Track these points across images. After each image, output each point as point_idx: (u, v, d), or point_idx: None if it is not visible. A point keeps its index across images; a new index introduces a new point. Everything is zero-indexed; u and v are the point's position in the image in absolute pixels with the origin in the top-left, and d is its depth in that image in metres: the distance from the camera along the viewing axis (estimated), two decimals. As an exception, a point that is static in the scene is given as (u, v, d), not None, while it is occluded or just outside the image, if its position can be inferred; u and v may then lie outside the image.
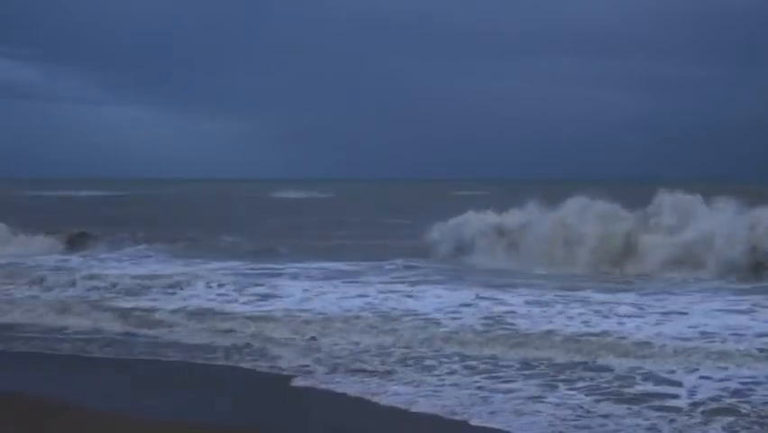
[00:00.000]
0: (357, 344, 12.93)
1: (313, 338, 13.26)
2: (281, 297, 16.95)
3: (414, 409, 9.70)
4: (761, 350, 12.06)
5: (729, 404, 9.73)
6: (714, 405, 9.70)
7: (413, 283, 18.77)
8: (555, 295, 16.70)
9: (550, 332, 13.37)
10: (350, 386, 10.61)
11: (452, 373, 11.27)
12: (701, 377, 10.80)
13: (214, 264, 22.14)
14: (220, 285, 18.19)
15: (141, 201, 59.35)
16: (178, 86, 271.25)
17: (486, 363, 11.67)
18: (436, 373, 11.27)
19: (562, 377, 10.89)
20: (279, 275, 20.06)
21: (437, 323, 14.28)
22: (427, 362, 11.81)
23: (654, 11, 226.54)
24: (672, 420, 9.17)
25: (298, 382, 10.89)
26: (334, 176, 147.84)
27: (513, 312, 15.03)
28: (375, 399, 10.12)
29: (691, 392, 10.16)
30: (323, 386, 10.66)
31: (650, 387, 10.43)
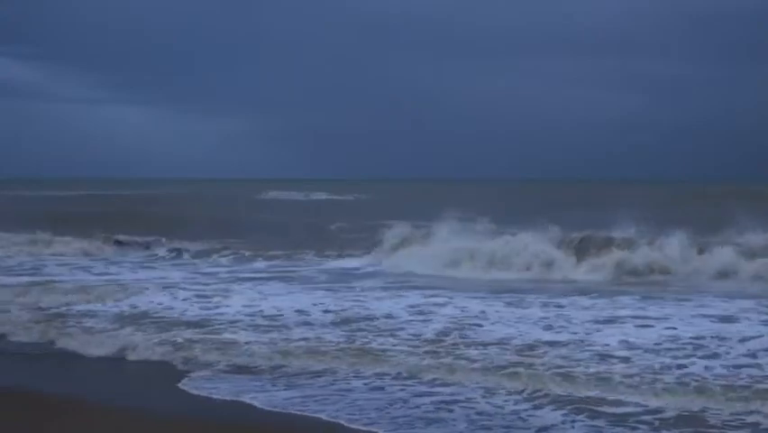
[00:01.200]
0: (273, 345, 11.43)
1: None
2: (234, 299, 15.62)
3: (289, 410, 8.57)
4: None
5: (693, 413, 8.30)
6: (673, 413, 8.28)
7: (401, 284, 17.81)
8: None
9: (504, 338, 11.91)
10: (230, 389, 9.41)
11: (379, 376, 9.86)
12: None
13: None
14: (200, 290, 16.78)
15: (144, 201, 57.79)
16: (178, 86, 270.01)
17: (428, 369, 10.16)
18: (359, 378, 9.88)
19: (503, 372, 9.69)
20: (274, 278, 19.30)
21: (392, 328, 12.74)
22: (357, 367, 10.32)
23: (654, 11, 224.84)
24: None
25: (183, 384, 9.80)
26: (334, 176, 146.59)
27: (483, 313, 13.81)
28: (251, 401, 8.96)
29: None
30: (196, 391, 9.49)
31: (602, 394, 8.97)
